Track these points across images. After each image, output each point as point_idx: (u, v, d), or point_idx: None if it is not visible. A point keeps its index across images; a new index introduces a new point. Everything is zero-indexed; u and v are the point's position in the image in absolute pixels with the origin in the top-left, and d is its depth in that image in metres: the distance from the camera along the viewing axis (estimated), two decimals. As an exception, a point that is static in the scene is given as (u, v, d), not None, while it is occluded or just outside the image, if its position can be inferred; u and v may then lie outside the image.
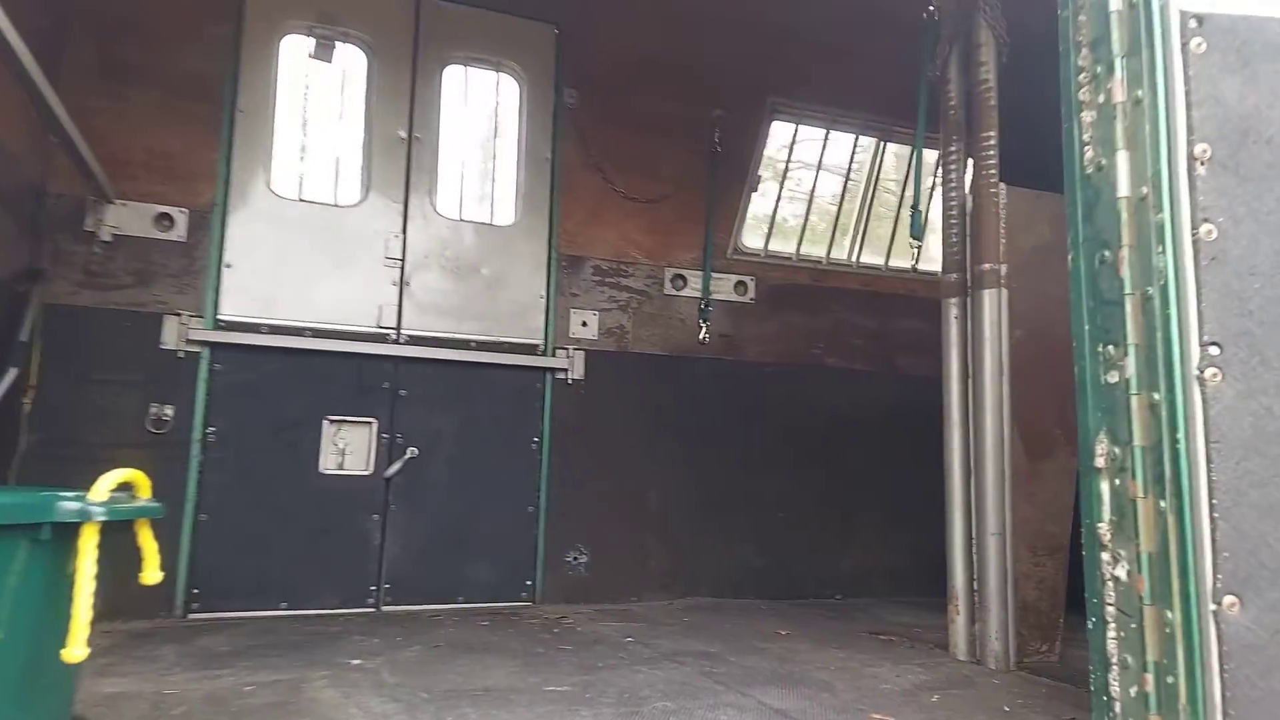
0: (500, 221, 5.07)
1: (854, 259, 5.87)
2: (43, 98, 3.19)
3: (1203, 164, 1.55)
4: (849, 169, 5.98)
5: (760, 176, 5.64)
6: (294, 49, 4.72)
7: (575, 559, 4.92)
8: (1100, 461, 1.65)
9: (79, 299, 4.17)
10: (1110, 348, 1.70)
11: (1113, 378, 1.67)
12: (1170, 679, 1.44)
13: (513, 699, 2.84)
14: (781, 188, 5.80)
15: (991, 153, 3.76)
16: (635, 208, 5.31)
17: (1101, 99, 1.71)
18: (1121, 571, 1.52)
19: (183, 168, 4.42)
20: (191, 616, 4.19)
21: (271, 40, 4.65)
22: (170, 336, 4.30)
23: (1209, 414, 1.42)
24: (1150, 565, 1.46)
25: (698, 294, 5.38)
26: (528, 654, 3.51)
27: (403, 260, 4.80)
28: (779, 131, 5.75)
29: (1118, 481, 1.58)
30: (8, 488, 3.60)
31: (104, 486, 2.00)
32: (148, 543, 2.21)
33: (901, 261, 6.01)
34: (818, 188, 5.86)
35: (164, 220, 4.37)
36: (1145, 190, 1.62)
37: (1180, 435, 1.43)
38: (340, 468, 4.56)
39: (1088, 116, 1.75)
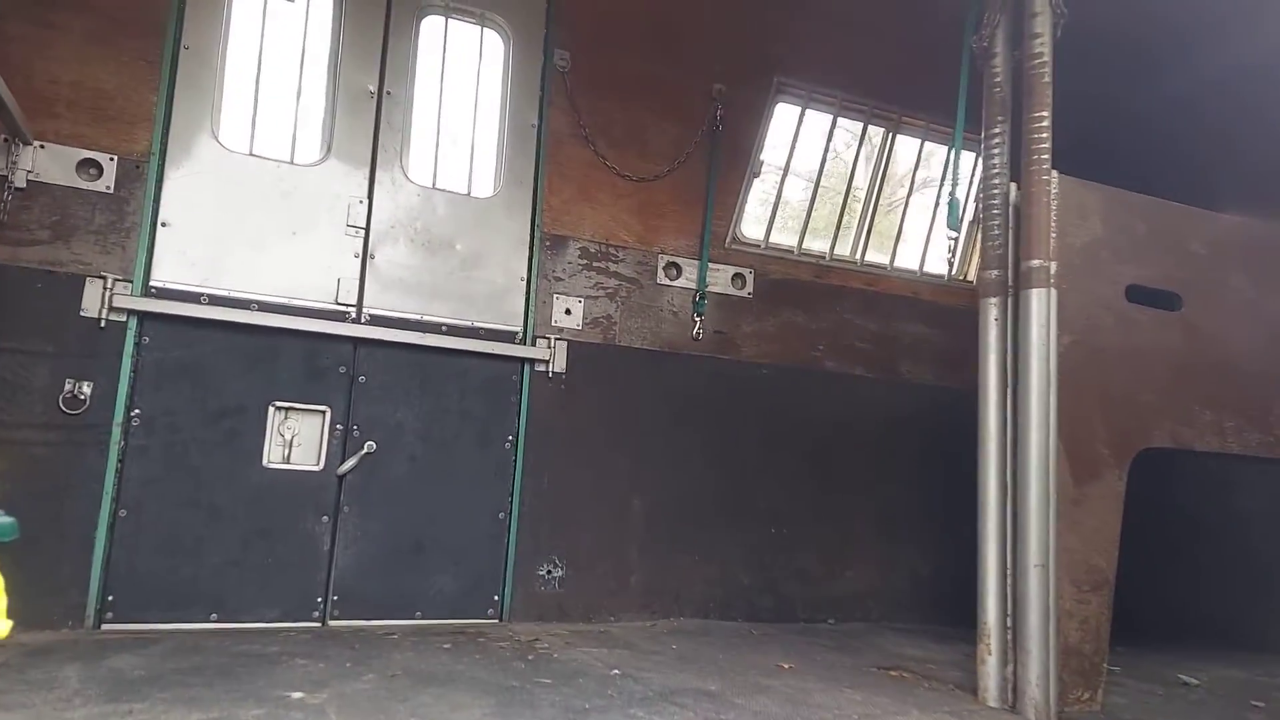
0: (479, 193, 4.54)
1: (858, 256, 5.45)
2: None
3: None
4: (855, 159, 5.57)
5: (763, 162, 5.19)
6: (252, -17, 4.15)
7: (549, 573, 4.41)
8: None
9: (-18, 254, 3.56)
10: None
11: None
12: None
13: (488, 754, 2.34)
14: (785, 175, 5.36)
15: (1044, 135, 3.35)
16: (628, 186, 4.83)
17: None
18: None
19: (115, 109, 3.82)
20: (105, 628, 3.60)
21: (226, -30, 4.07)
22: (92, 303, 3.70)
23: None
24: None
25: (692, 285, 4.91)
26: (501, 689, 3.00)
27: (367, 230, 4.25)
28: (785, 115, 5.30)
29: None
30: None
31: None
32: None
33: (908, 262, 5.63)
34: (823, 179, 5.42)
35: (90, 168, 3.77)
36: None
37: None
38: (286, 461, 4.00)
39: None
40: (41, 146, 3.68)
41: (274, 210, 4.07)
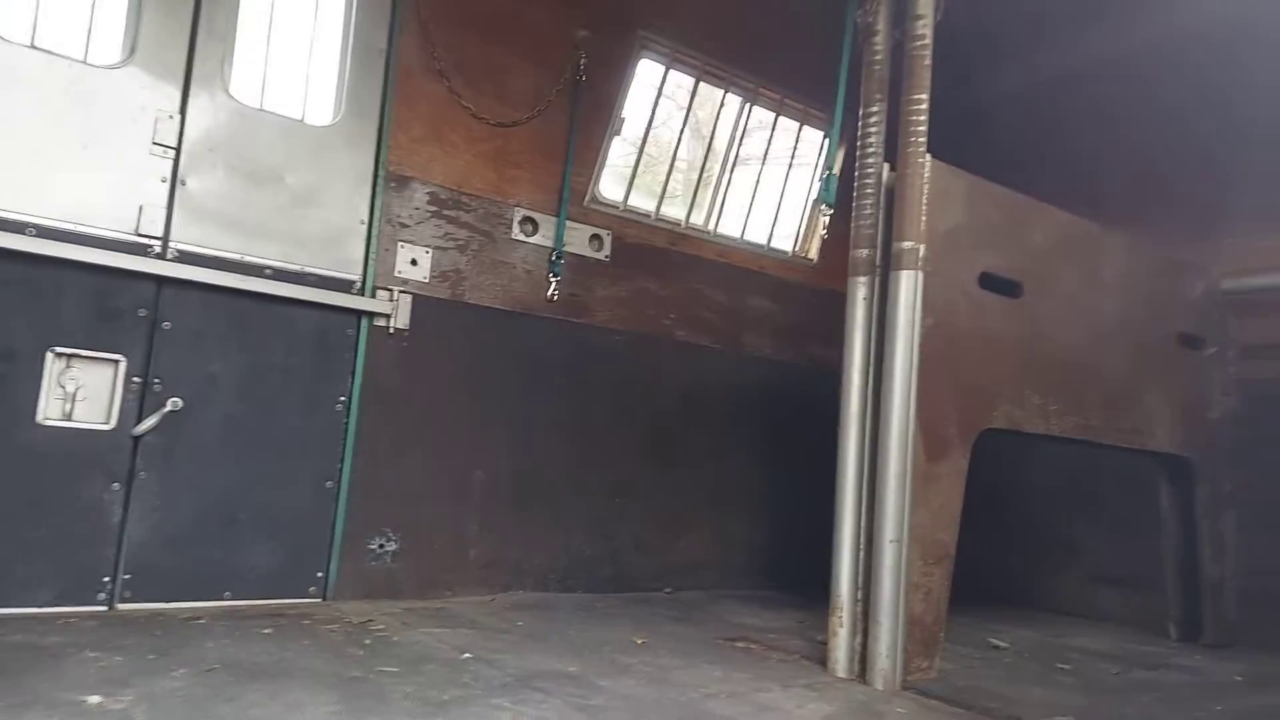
0: (315, 120, 4.03)
1: (712, 226, 5.40)
2: None
3: None
4: (714, 126, 5.50)
5: (624, 119, 4.99)
6: None
7: (381, 546, 4.05)
8: None
9: None
10: None
11: None
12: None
13: (342, 763, 2.04)
14: (646, 135, 5.19)
15: (921, 118, 3.39)
16: (484, 130, 4.47)
17: None
18: None
19: None
20: None
21: None
22: None
23: None
24: None
25: (548, 243, 4.65)
26: (341, 681, 2.68)
27: (178, 150, 3.65)
28: (651, 73, 5.12)
29: None
30: None
31: None
32: None
33: (757, 235, 5.66)
34: (688, 146, 5.31)
35: None
36: None
37: None
38: (68, 418, 3.38)
39: None
40: None
41: (61, 117, 3.38)
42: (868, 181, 3.50)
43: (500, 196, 4.53)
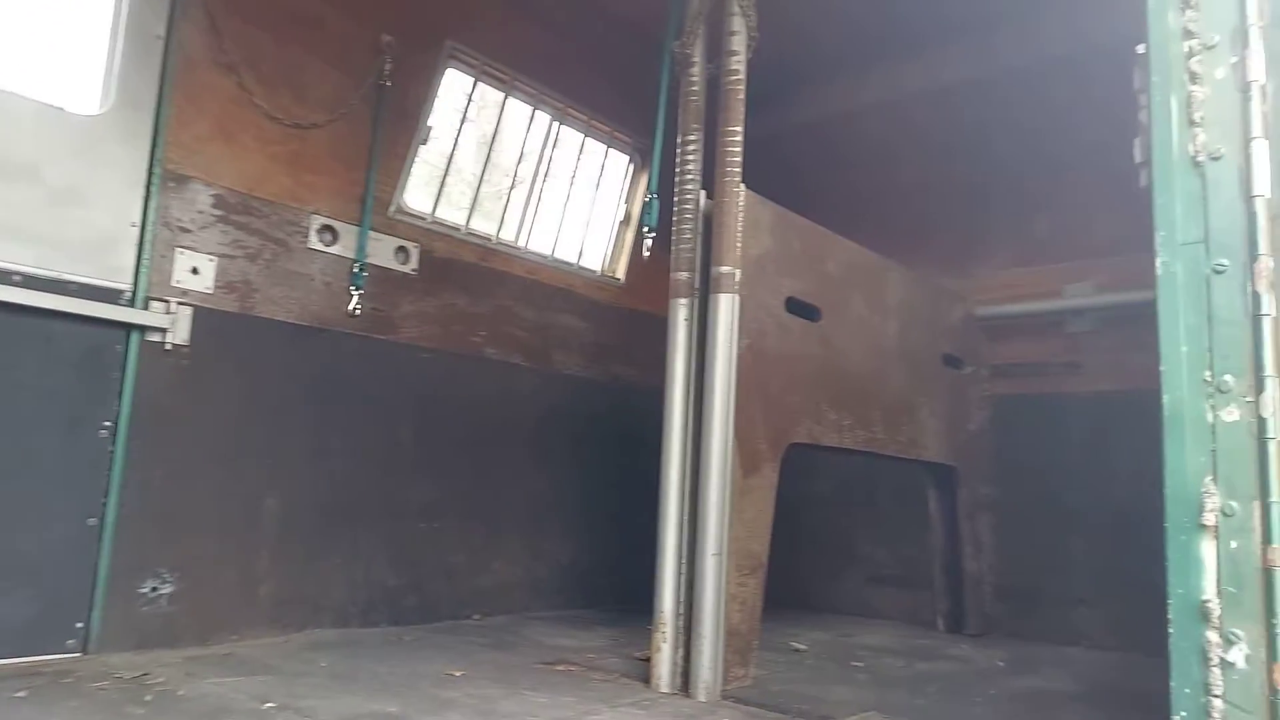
0: (79, 109, 3.55)
1: (523, 243, 5.33)
2: None
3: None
4: (524, 142, 5.45)
5: (431, 128, 4.82)
6: None
7: (155, 589, 3.60)
8: (1209, 518, 1.36)
9: None
10: (1228, 377, 1.43)
11: (1231, 415, 1.40)
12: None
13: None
14: (455, 146, 5.04)
15: (736, 150, 3.55)
16: (279, 132, 4.14)
17: (1221, 74, 1.46)
18: (1238, 656, 1.26)
19: None
20: None
21: None
22: None
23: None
24: (1295, 652, 1.21)
25: (350, 254, 4.38)
26: (123, 749, 2.34)
27: (-101, 132, 3.07)
28: (460, 84, 4.99)
29: (1235, 545, 1.31)
30: None
31: None
32: None
33: (567, 254, 5.67)
34: (495, 158, 5.22)
35: None
36: (1304, 193, 1.39)
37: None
38: None
39: (1200, 93, 1.48)
40: None
41: None
42: (687, 208, 3.60)
43: (296, 203, 4.22)
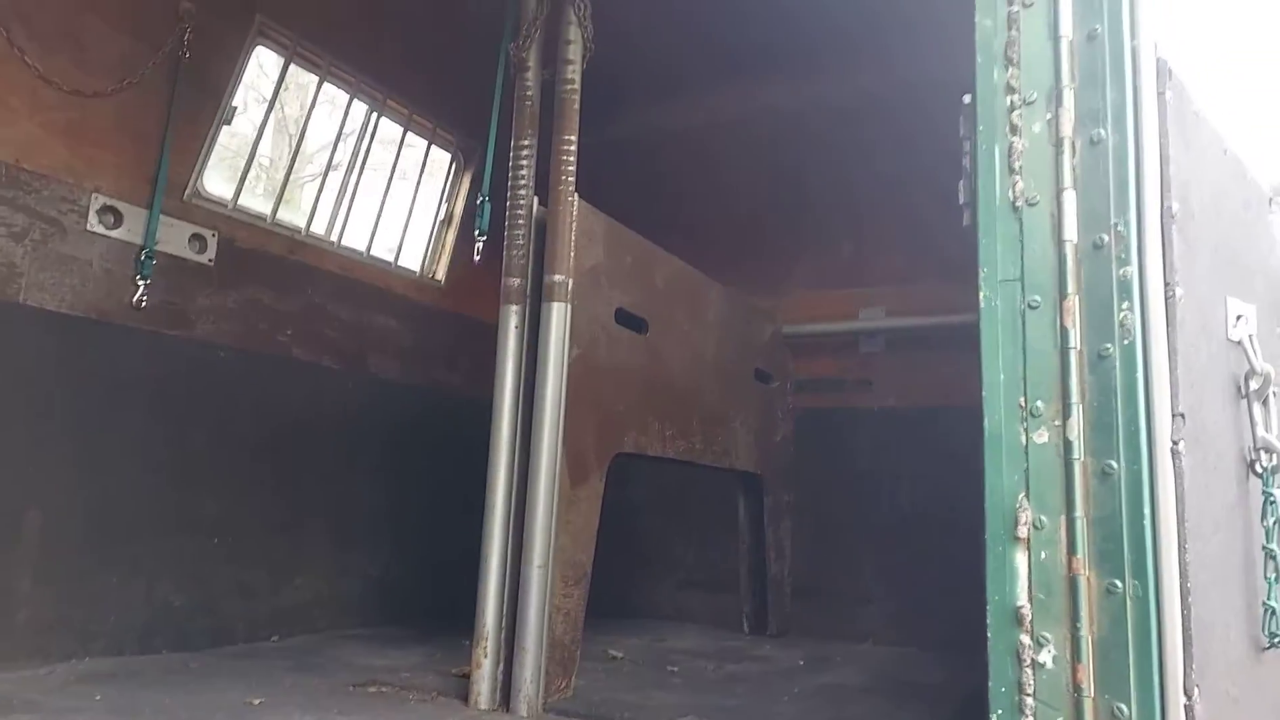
0: None
1: (336, 238, 5.03)
2: None
3: (1174, 221, 1.54)
4: (339, 132, 5.15)
5: (235, 108, 4.44)
6: None
7: (-121, 621, 3.06)
8: (1022, 531, 1.48)
9: None
10: (1039, 403, 1.56)
11: (1041, 437, 1.53)
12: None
13: None
14: (261, 130, 4.68)
15: (570, 158, 3.54)
16: (55, 98, 3.67)
17: (1038, 128, 1.59)
18: (1047, 657, 1.37)
19: None
20: None
21: None
22: None
23: (1181, 489, 1.38)
24: (1095, 652, 1.34)
25: (137, 240, 3.95)
26: None
27: None
28: (270, 63, 4.63)
29: (1044, 555, 1.43)
30: None
31: None
32: None
33: (384, 252, 5.42)
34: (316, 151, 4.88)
35: None
36: (1105, 238, 1.54)
37: (1146, 510, 1.36)
38: None
39: (1020, 144, 1.61)
40: None
41: None
42: (519, 214, 3.55)
43: (73, 178, 3.75)
